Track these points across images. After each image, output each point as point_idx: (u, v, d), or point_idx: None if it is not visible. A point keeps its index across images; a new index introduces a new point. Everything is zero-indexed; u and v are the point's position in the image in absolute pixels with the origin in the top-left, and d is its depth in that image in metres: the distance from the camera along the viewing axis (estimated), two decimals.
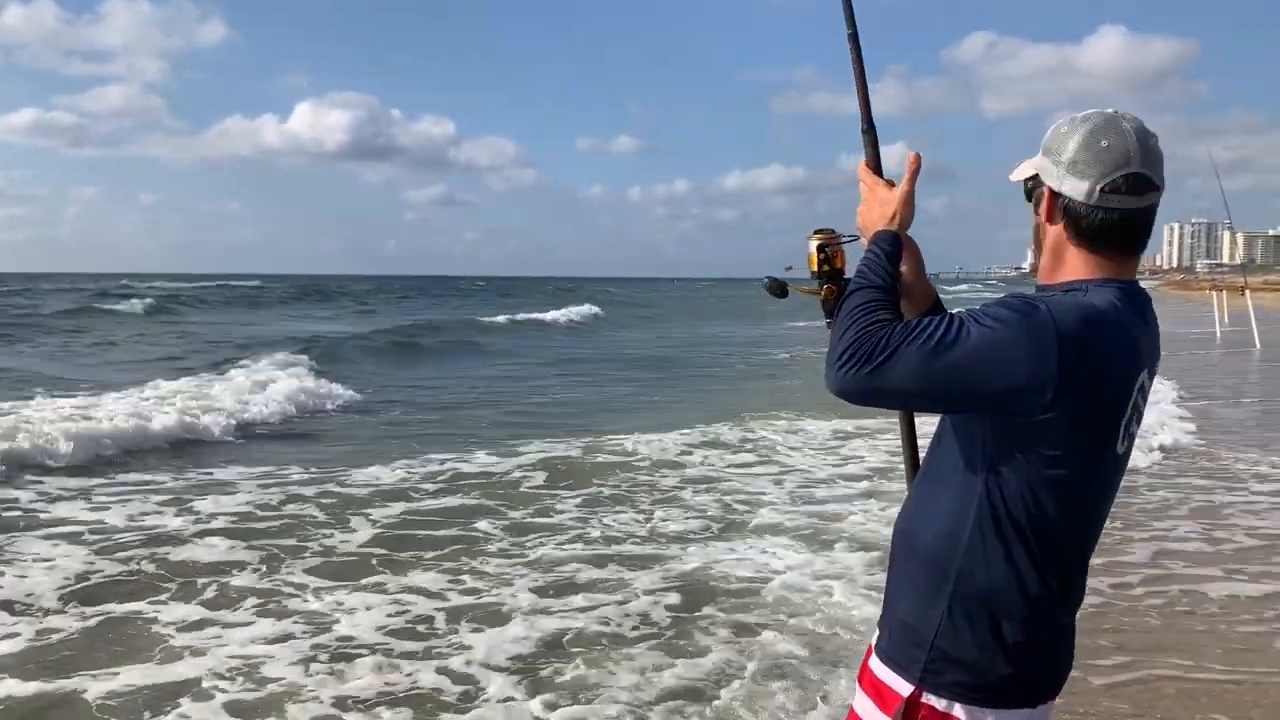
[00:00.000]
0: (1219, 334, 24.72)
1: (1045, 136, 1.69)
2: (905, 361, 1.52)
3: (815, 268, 1.87)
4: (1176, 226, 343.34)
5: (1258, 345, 21.16)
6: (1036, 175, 1.70)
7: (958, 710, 1.62)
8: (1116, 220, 1.60)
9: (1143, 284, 1.71)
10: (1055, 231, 1.66)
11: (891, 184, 1.83)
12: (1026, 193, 1.74)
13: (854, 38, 1.96)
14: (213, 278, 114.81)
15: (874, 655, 1.73)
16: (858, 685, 1.75)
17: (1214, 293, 31.40)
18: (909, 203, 1.78)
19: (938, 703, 1.63)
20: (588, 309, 43.28)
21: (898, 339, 1.54)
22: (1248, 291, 24.13)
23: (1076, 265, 1.65)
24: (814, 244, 1.87)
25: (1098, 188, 1.59)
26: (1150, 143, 1.61)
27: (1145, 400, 1.68)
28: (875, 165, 1.90)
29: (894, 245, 1.74)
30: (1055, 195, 1.64)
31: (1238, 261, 40.17)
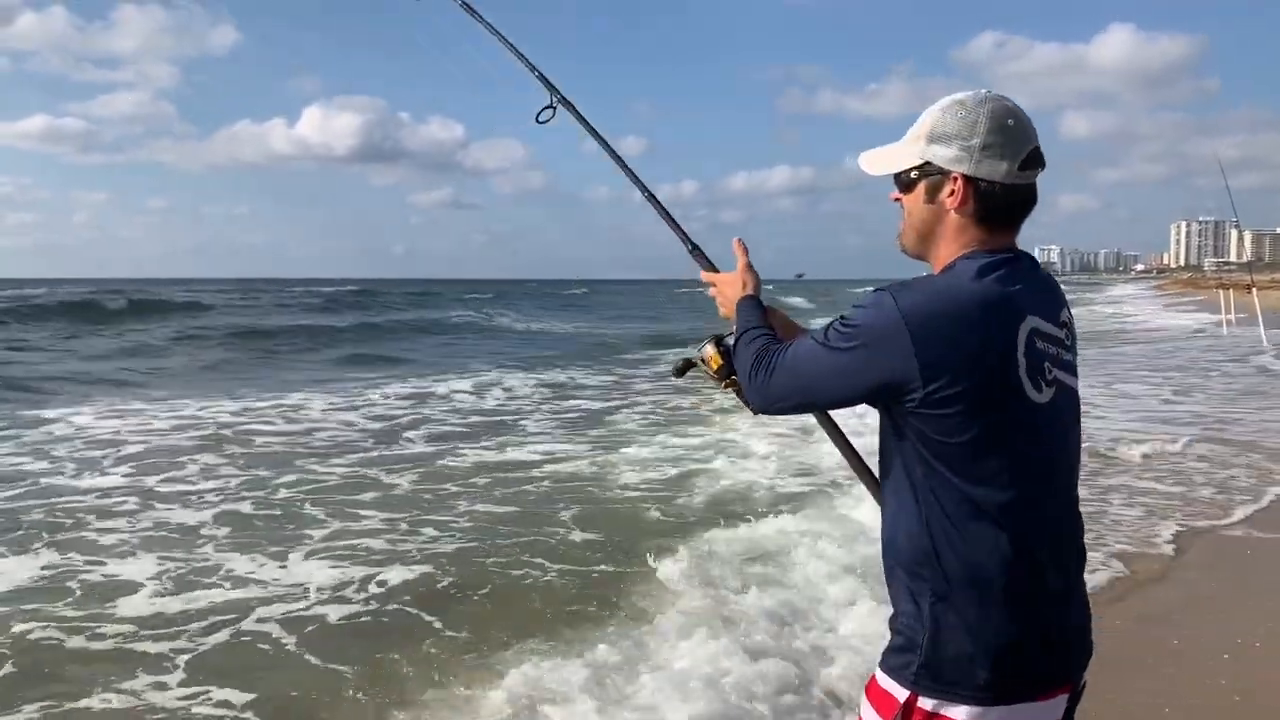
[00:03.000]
0: (1225, 333, 24.69)
1: (927, 125, 1.73)
2: (801, 363, 1.74)
3: (716, 367, 2.05)
4: (1184, 224, 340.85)
5: (1265, 344, 20.98)
6: (927, 163, 1.73)
7: (950, 711, 1.63)
8: (1026, 194, 1.72)
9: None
10: (955, 218, 1.72)
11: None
12: (908, 183, 1.77)
13: (645, 188, 2.53)
14: (230, 283, 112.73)
15: (878, 667, 1.75)
16: (864, 697, 1.76)
17: (1221, 291, 31.27)
18: (749, 271, 2.08)
19: (932, 705, 1.64)
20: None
21: (791, 346, 1.78)
22: (1255, 290, 23.99)
23: (967, 244, 1.72)
24: (710, 347, 2.07)
25: (1016, 166, 1.67)
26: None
27: (1056, 342, 1.71)
28: (712, 268, 2.25)
29: (753, 301, 2.02)
30: (970, 180, 1.69)
31: (1245, 260, 39.92)
